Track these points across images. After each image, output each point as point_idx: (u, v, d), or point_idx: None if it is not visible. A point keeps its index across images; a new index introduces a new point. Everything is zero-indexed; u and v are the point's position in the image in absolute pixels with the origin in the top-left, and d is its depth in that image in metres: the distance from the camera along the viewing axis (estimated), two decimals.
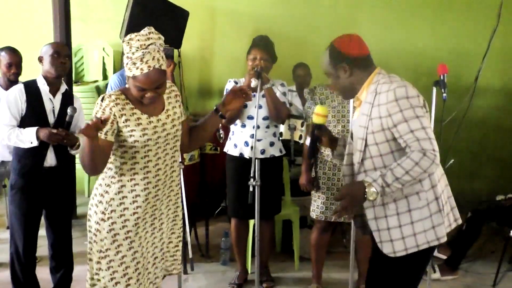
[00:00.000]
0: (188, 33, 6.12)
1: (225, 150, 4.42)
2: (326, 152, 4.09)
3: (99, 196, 2.83)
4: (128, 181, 2.78)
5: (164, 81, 2.72)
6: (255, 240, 3.83)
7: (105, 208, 2.79)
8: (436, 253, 4.62)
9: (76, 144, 3.72)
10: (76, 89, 6.07)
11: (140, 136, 2.73)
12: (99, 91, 6.45)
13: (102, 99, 2.73)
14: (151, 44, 2.63)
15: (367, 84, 2.67)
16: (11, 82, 4.43)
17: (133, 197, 2.79)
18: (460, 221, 2.73)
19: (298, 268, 4.80)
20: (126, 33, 5.76)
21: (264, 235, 4.28)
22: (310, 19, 6.69)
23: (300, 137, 4.72)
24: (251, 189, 3.65)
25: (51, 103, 3.73)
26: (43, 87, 3.72)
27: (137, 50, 2.61)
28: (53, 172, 3.77)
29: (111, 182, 2.80)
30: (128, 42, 2.65)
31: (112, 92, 2.80)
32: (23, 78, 4.31)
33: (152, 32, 2.68)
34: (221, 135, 5.27)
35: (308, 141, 4.22)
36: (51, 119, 3.71)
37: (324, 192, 4.10)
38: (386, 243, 2.62)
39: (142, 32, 2.68)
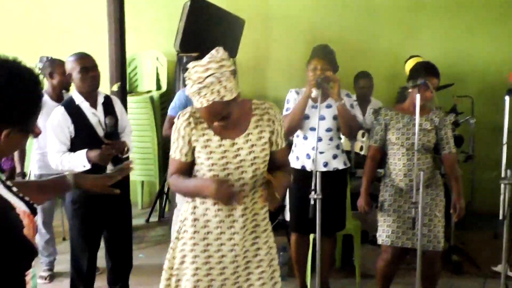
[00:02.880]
0: (243, 42, 6.01)
1: None
2: (392, 175, 3.92)
3: (181, 214, 2.75)
4: (200, 203, 2.65)
5: (229, 111, 2.49)
6: (316, 256, 3.65)
7: (179, 227, 2.72)
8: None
9: (125, 149, 3.69)
10: (130, 99, 6.01)
11: (206, 160, 2.58)
12: (153, 101, 6.39)
13: (178, 117, 2.63)
14: (209, 75, 2.40)
15: None
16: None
17: (204, 222, 2.65)
18: None
19: (360, 286, 4.58)
20: (181, 43, 5.73)
21: (326, 251, 4.10)
22: (368, 27, 6.51)
23: (361, 148, 4.53)
24: (311, 202, 3.49)
25: (95, 117, 3.66)
26: (83, 104, 3.65)
27: (194, 84, 2.43)
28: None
29: (187, 200, 2.70)
30: (189, 72, 2.46)
31: (187, 110, 2.66)
32: None
33: (213, 61, 2.42)
34: None
35: (369, 163, 4.03)
36: (100, 132, 3.65)
37: (390, 215, 3.89)
38: None
39: (202, 61, 2.44)
